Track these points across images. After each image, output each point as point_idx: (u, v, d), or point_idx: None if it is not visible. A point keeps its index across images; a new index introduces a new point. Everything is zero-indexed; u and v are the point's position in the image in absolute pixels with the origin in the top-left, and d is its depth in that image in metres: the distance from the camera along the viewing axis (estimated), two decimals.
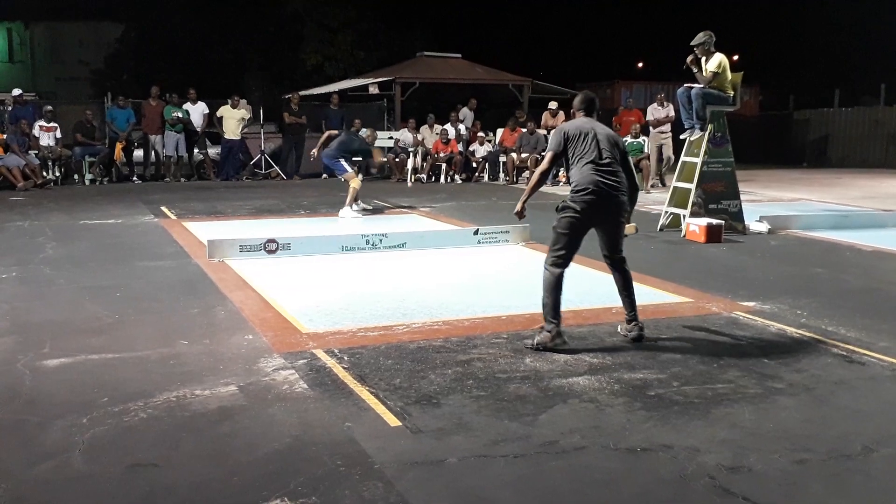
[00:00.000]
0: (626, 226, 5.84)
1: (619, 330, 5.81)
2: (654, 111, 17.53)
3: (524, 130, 18.86)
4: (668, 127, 17.24)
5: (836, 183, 19.14)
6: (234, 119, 18.31)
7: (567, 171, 5.79)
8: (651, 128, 17.45)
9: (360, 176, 12.96)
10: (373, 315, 6.31)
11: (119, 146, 17.67)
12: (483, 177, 19.24)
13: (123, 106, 18.21)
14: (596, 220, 5.60)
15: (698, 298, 7.02)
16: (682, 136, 11.16)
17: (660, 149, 17.26)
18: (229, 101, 18.55)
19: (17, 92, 17.89)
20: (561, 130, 5.79)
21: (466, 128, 20.11)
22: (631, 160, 6.03)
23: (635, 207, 6.04)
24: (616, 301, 6.69)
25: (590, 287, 6.49)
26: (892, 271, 8.52)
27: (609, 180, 5.54)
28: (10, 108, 17.44)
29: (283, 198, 14.04)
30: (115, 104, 18.35)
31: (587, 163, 5.56)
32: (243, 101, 19.41)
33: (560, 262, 5.55)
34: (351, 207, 12.46)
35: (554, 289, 5.52)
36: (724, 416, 4.31)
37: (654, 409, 4.39)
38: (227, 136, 18.37)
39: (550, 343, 5.41)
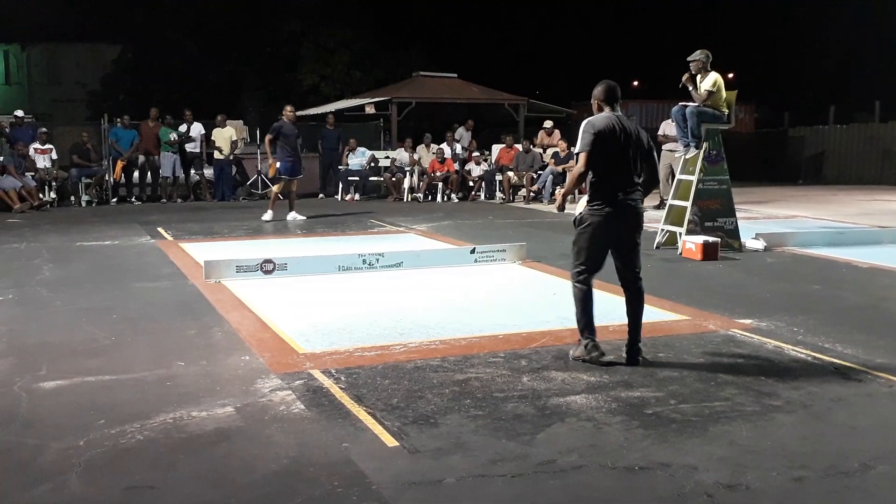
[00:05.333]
0: None
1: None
2: (667, 127, 16.83)
3: (520, 149, 18.91)
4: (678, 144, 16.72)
5: (832, 200, 19.19)
6: (222, 139, 18.34)
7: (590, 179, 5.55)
8: (662, 146, 16.85)
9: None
10: (370, 335, 6.31)
11: (119, 165, 17.70)
12: (479, 195, 19.28)
13: (127, 126, 18.27)
14: (615, 233, 5.56)
15: (695, 316, 7.03)
16: (676, 154, 11.18)
17: (670, 166, 16.46)
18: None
19: (19, 113, 17.98)
20: (591, 129, 5.42)
21: (463, 147, 20.15)
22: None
23: None
24: (613, 319, 6.71)
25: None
26: (889, 288, 8.54)
27: (629, 194, 5.49)
28: (7, 129, 17.49)
29: (280, 218, 14.03)
30: (120, 124, 18.38)
31: (610, 177, 5.46)
32: (237, 122, 19.44)
33: (583, 277, 5.59)
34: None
35: (582, 304, 5.59)
36: (721, 434, 4.31)
37: (652, 428, 4.38)
38: (216, 156, 18.41)
39: (587, 356, 5.48)
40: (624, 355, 5.63)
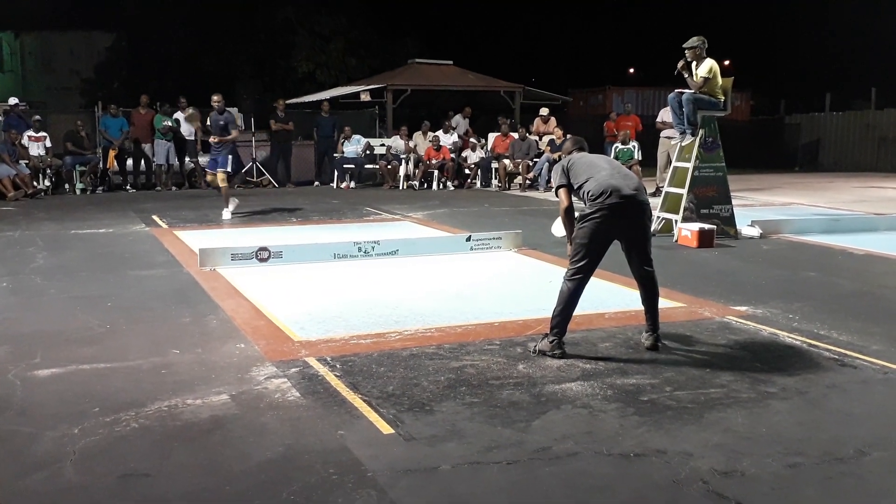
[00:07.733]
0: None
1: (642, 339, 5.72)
2: (665, 114, 16.54)
3: (516, 137, 18.88)
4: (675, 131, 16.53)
5: (828, 187, 19.21)
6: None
7: (581, 196, 5.58)
8: (660, 133, 16.62)
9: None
10: (365, 322, 6.30)
11: (112, 154, 17.63)
12: (475, 183, 19.26)
13: (116, 114, 18.18)
14: (620, 226, 5.43)
15: (691, 303, 7.03)
16: (672, 142, 11.16)
17: (667, 154, 16.30)
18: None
19: (13, 101, 17.90)
20: (559, 164, 5.76)
21: (459, 135, 20.09)
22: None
23: None
24: (609, 307, 6.72)
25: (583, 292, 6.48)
26: (884, 275, 8.55)
27: (628, 183, 5.44)
28: (1, 119, 17.44)
29: (274, 206, 14.01)
30: (108, 113, 18.30)
31: (600, 173, 5.49)
32: (233, 109, 19.36)
33: (578, 274, 5.40)
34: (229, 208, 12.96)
35: (566, 303, 5.42)
36: (717, 421, 4.31)
37: (648, 415, 4.39)
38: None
39: (549, 352, 5.38)
40: (643, 342, 5.63)
